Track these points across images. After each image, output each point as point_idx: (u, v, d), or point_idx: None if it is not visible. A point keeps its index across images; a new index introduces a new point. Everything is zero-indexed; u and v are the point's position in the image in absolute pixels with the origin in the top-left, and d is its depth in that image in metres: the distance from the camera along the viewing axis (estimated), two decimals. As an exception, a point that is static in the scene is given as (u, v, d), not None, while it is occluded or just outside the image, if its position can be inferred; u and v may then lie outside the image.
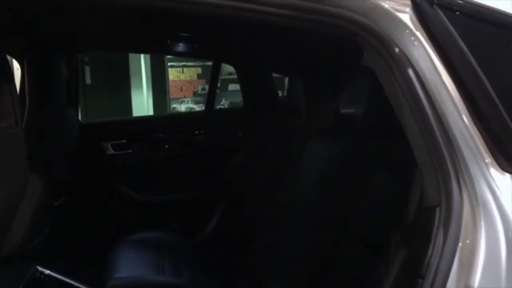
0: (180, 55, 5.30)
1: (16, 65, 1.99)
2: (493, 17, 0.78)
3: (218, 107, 6.65)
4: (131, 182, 2.33)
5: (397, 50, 0.79)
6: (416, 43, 0.79)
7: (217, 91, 7.31)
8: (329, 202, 1.47)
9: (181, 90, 6.84)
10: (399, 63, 0.79)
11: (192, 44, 2.11)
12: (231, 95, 6.42)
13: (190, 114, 4.39)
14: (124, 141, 2.28)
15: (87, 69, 6.97)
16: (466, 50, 0.77)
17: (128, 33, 1.87)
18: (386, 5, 0.80)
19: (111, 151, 2.26)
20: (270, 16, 0.79)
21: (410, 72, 0.78)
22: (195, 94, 6.55)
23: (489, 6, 0.80)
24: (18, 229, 1.58)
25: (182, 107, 6.82)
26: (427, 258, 0.72)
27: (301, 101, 1.93)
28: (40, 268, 1.50)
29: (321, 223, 1.50)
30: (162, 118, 3.33)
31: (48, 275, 1.48)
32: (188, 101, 6.77)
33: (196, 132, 2.44)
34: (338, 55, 1.87)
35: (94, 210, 2.25)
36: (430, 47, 0.79)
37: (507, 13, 0.79)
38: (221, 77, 6.22)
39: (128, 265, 1.78)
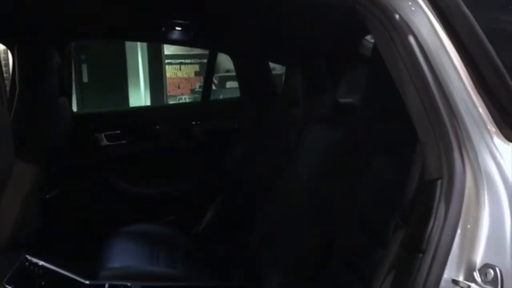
0: (175, 44, 5.21)
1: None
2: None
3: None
4: (125, 174, 2.29)
5: (397, 17, 0.76)
6: (417, 9, 0.76)
7: (215, 88, 7.32)
8: (328, 190, 1.44)
9: (179, 87, 6.81)
10: (399, 31, 0.76)
11: (188, 32, 2.07)
12: (229, 92, 6.40)
13: (186, 104, 4.34)
14: (118, 132, 2.24)
15: (84, 67, 6.94)
16: (470, 16, 0.73)
17: (121, 20, 1.83)
18: (385, -31, 0.77)
19: (105, 142, 2.22)
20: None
21: (411, 39, 0.75)
22: (193, 91, 6.51)
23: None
24: (7, 218, 1.54)
25: (179, 105, 6.79)
26: (428, 232, 0.69)
27: (299, 91, 1.90)
28: (29, 257, 1.46)
29: (320, 211, 1.47)
30: (157, 109, 3.28)
31: (37, 264, 1.44)
32: (185, 98, 6.74)
33: (193, 123, 2.41)
34: (337, 44, 1.84)
35: (88, 203, 2.21)
36: (432, 13, 0.75)
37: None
38: (219, 74, 6.19)
39: (121, 255, 1.74)
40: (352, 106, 1.68)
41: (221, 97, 6.33)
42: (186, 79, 6.74)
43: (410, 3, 0.76)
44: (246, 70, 2.33)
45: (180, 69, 6.70)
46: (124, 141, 2.26)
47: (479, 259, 0.67)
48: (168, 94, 6.83)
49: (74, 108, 7.07)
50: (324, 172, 1.53)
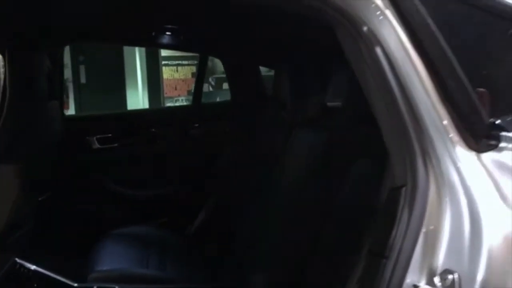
0: (165, 48, 5.25)
1: None
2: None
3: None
4: (117, 177, 2.31)
5: (365, 29, 0.78)
6: (384, 21, 0.78)
7: (212, 89, 7.31)
8: (312, 192, 1.46)
9: (176, 88, 6.84)
10: (367, 42, 0.78)
11: (177, 37, 2.10)
12: (226, 94, 6.41)
13: (177, 108, 4.35)
14: (110, 135, 2.26)
15: (82, 69, 6.97)
16: (435, 28, 0.75)
17: (111, 25, 1.85)
18: (354, -18, 0.79)
19: (96, 145, 2.24)
20: None
21: (378, 51, 0.77)
22: (189, 92, 6.54)
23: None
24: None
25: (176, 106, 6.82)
26: (391, 238, 0.71)
27: (287, 94, 1.92)
28: (18, 260, 1.48)
29: (304, 213, 1.49)
30: (149, 113, 3.30)
31: (26, 267, 1.47)
32: (182, 99, 6.76)
33: (184, 126, 2.43)
34: (323, 47, 1.86)
35: (80, 205, 2.23)
36: (399, 26, 0.77)
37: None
38: (216, 75, 6.21)
39: (111, 258, 1.76)
40: (340, 109, 1.70)
41: (217, 98, 6.36)
42: (183, 81, 6.77)
43: (378, 15, 0.78)
44: (236, 74, 2.35)
45: (177, 71, 6.73)
46: (116, 144, 2.28)
47: (439, 264, 0.69)
48: (165, 95, 6.85)
49: (73, 108, 7.09)
50: (308, 174, 1.56)
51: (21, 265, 1.49)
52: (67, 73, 6.42)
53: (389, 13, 0.78)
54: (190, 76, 6.69)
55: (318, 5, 0.78)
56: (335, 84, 1.86)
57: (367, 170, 1.22)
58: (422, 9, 0.76)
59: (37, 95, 1.72)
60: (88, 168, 2.26)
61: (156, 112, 3.30)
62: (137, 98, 6.93)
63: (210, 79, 6.54)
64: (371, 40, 0.77)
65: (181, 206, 2.37)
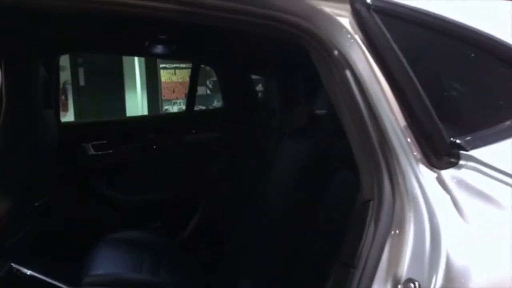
0: (158, 57, 5.34)
1: None
2: (424, 20, 0.82)
3: (210, 108, 6.70)
4: (112, 182, 2.36)
5: (336, 52, 0.83)
6: (354, 45, 0.83)
7: (209, 92, 7.32)
8: (296, 202, 1.52)
9: (173, 91, 6.89)
10: (338, 65, 0.83)
11: (170, 46, 2.15)
12: (223, 96, 6.39)
13: (170, 115, 4.43)
14: (105, 142, 2.32)
15: (81, 71, 7.02)
16: (399, 52, 0.81)
17: (105, 36, 1.90)
18: (327, 9, 0.85)
19: (92, 151, 2.29)
20: (207, 19, 0.84)
21: (348, 73, 0.82)
22: (187, 95, 6.59)
23: (421, 9, 0.84)
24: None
25: (174, 109, 6.86)
26: (359, 249, 0.76)
27: (276, 103, 1.97)
28: (14, 265, 1.53)
29: (290, 222, 1.54)
30: (143, 120, 3.36)
31: (22, 272, 1.52)
32: (180, 102, 6.81)
33: (178, 133, 2.48)
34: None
35: (75, 210, 2.28)
36: (367, 50, 0.83)
37: (439, 15, 0.83)
38: (213, 79, 6.25)
39: (105, 262, 1.81)
40: (327, 118, 1.75)
41: (215, 101, 6.40)
42: (180, 84, 6.82)
43: (348, 39, 0.84)
44: (228, 82, 2.40)
45: (175, 74, 6.78)
46: (111, 151, 2.34)
47: (403, 273, 0.74)
48: (163, 98, 6.90)
49: (72, 110, 7.10)
50: (294, 183, 1.61)
51: (17, 270, 1.54)
52: (66, 76, 6.48)
53: (358, 38, 0.83)
54: (187, 79, 6.74)
55: (294, 31, 0.83)
56: (323, 92, 1.91)
57: (348, 181, 1.27)
58: (387, 35, 0.81)
59: (33, 104, 1.77)
60: (84, 174, 2.31)
61: (150, 119, 3.36)
62: (136, 101, 6.98)
63: (207, 82, 6.60)
64: (342, 63, 0.83)
65: (174, 212, 2.42)
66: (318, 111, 1.89)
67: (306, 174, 1.54)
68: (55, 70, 2.15)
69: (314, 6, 0.83)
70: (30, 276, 1.54)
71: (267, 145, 1.96)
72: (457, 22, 0.83)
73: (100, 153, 2.31)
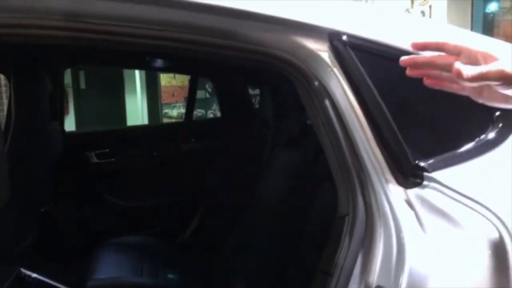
0: (158, 71, 5.49)
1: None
2: (393, 54, 0.92)
3: (209, 111, 6.80)
4: (115, 189, 2.46)
5: (316, 83, 0.94)
6: (333, 77, 0.93)
7: (208, 96, 7.38)
8: (287, 210, 1.62)
9: (173, 95, 6.99)
10: (318, 94, 0.94)
11: (170, 61, 2.26)
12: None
13: (170, 125, 4.60)
14: (107, 150, 2.42)
15: (82, 74, 7.12)
16: (371, 84, 0.91)
17: (109, 52, 2.01)
18: (309, 45, 0.95)
19: (95, 159, 2.40)
20: (197, 53, 0.93)
21: (327, 102, 0.93)
22: (186, 99, 6.69)
23: (391, 45, 0.94)
24: (2, 233, 1.71)
25: (173, 112, 6.97)
26: (336, 259, 0.87)
27: (269, 113, 2.07)
28: (23, 271, 1.62)
29: (283, 228, 1.65)
30: (143, 129, 3.48)
31: (32, 277, 1.61)
32: (179, 106, 6.92)
33: (176, 142, 2.59)
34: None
35: (79, 216, 2.39)
36: (344, 81, 0.93)
37: (406, 50, 0.93)
38: (212, 82, 6.34)
39: (108, 266, 1.91)
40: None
41: (214, 105, 6.50)
42: (180, 87, 6.92)
43: (327, 72, 0.94)
44: (225, 93, 2.51)
45: (174, 78, 6.89)
46: (113, 159, 2.44)
47: (374, 281, 0.84)
48: (163, 102, 7.01)
49: (72, 113, 7.16)
50: (288, 191, 1.71)
51: (26, 275, 1.64)
52: (67, 79, 6.58)
53: (336, 71, 0.93)
54: (186, 83, 6.85)
55: (279, 64, 0.94)
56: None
57: (330, 193, 1.37)
58: (361, 68, 0.92)
59: (41, 118, 1.88)
60: (87, 181, 2.41)
61: (151, 128, 3.47)
62: (136, 104, 7.08)
63: (206, 86, 6.70)
64: (322, 92, 0.93)
65: (173, 217, 2.52)
66: (309, 122, 1.99)
67: (297, 183, 1.64)
68: (60, 83, 2.26)
69: (298, 42, 0.94)
70: (38, 280, 1.64)
71: (261, 154, 2.06)
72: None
73: (102, 161, 2.41)
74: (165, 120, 6.91)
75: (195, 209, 2.49)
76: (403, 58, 0.73)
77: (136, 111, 7.09)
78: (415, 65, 0.73)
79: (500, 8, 5.39)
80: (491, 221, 0.85)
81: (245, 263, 1.76)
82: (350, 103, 0.92)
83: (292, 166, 1.77)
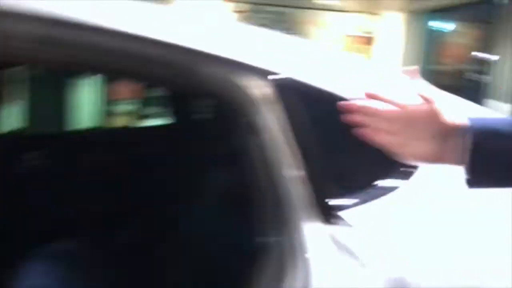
0: None
1: None
2: (325, 95, 1.03)
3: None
4: (50, 194, 2.37)
5: (254, 119, 1.01)
6: (263, 114, 1.01)
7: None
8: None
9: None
10: (255, 131, 1.01)
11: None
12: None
13: (118, 129, 4.44)
14: (46, 153, 2.34)
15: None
16: (304, 123, 1.00)
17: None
18: (242, 82, 1.02)
19: (29, 162, 2.30)
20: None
21: (263, 139, 1.00)
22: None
23: (323, 88, 1.05)
24: None
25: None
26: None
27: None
28: None
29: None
30: (87, 133, 3.35)
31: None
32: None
33: (121, 147, 2.55)
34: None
35: (10, 223, 2.26)
36: (280, 120, 1.01)
37: (341, 96, 1.03)
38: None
39: (36, 277, 1.85)
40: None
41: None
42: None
43: (257, 108, 1.02)
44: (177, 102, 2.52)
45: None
46: (50, 162, 2.35)
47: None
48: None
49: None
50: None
51: None
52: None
53: (266, 108, 1.01)
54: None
55: (223, 101, 1.01)
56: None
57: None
58: (299, 107, 1.00)
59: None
60: (19, 185, 2.30)
61: (95, 132, 3.34)
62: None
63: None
64: (259, 129, 1.01)
65: (105, 224, 2.45)
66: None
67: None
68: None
69: (237, 83, 1.01)
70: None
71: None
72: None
73: (37, 164, 2.32)
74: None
75: (129, 217, 2.45)
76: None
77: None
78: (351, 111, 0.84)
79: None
80: (391, 259, 0.96)
81: (176, 275, 1.78)
82: (284, 142, 1.00)
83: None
